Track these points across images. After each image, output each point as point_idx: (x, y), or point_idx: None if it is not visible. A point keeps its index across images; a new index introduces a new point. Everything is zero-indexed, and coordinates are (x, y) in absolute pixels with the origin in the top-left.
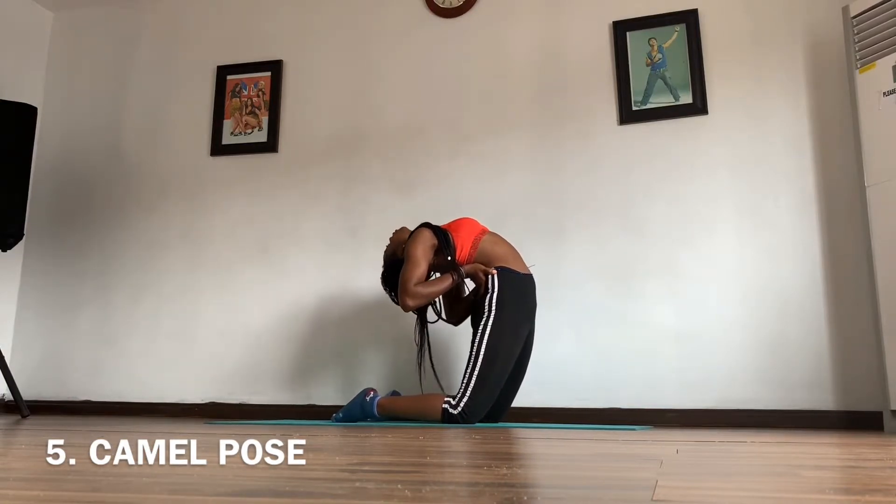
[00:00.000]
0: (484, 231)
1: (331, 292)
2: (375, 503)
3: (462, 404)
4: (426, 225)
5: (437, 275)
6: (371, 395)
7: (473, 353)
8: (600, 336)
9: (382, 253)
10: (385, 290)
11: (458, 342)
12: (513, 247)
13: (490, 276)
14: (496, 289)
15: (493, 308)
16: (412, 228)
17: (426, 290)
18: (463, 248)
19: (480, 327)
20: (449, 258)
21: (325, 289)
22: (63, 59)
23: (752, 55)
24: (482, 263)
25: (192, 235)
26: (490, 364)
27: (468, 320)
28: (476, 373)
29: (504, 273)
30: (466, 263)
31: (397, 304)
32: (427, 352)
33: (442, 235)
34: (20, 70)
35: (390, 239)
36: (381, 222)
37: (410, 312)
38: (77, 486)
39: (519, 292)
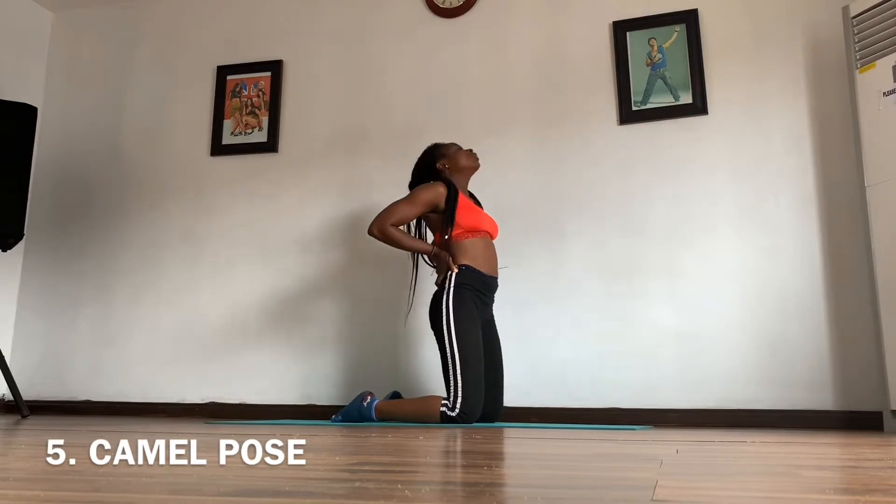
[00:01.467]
0: (486, 234)
1: (331, 292)
2: (375, 503)
3: (458, 406)
4: (450, 185)
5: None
6: (368, 399)
7: (448, 354)
8: (600, 336)
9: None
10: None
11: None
12: (493, 254)
13: (449, 275)
14: (452, 287)
15: (451, 305)
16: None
17: (395, 234)
18: (456, 229)
19: (444, 327)
20: (447, 229)
21: (325, 288)
22: (63, 59)
23: (752, 55)
24: (453, 251)
25: (191, 235)
26: (466, 358)
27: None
28: (458, 372)
29: (463, 271)
30: (441, 240)
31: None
32: (416, 271)
33: (450, 206)
34: (20, 70)
35: (448, 145)
36: None
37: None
38: (77, 486)
39: (471, 285)
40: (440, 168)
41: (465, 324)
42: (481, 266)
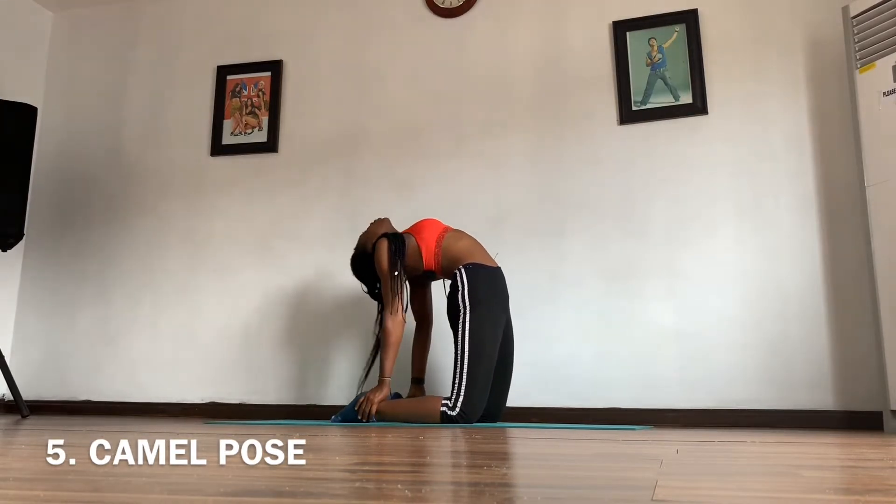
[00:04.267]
0: (447, 230)
1: (331, 292)
2: (375, 503)
3: (459, 404)
4: (384, 235)
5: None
6: None
7: (459, 352)
8: (600, 336)
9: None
10: (353, 274)
11: (444, 342)
12: (476, 241)
13: (458, 273)
14: (466, 285)
15: (468, 304)
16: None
17: (387, 342)
18: (428, 249)
19: (460, 326)
20: (397, 272)
21: (325, 289)
22: (63, 59)
23: (752, 55)
24: (448, 261)
25: (191, 235)
26: (477, 359)
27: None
28: (465, 371)
29: (471, 268)
30: (434, 263)
31: (366, 292)
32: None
33: (394, 246)
34: (20, 70)
35: (369, 226)
36: None
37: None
38: (77, 486)
39: (489, 284)
40: (371, 247)
41: (485, 326)
42: (479, 258)
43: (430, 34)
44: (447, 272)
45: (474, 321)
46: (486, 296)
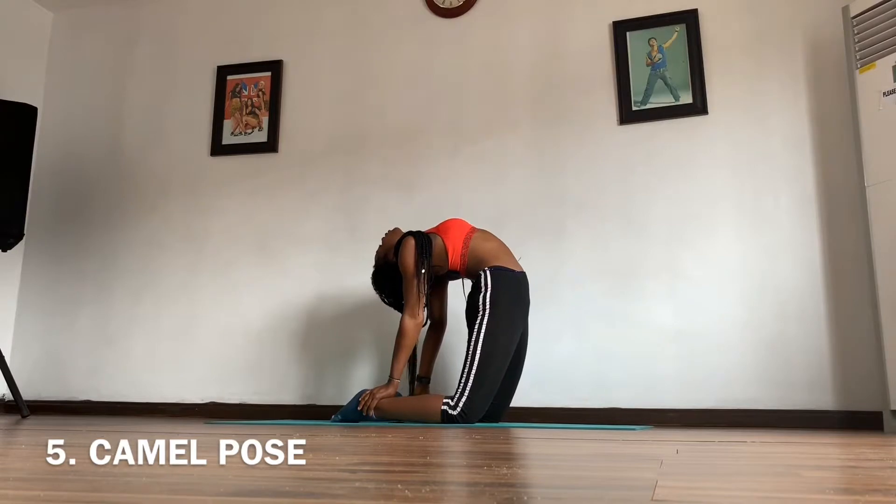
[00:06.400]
0: (473, 230)
1: (330, 292)
2: (375, 503)
3: (461, 404)
4: (410, 233)
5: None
6: None
7: (470, 352)
8: (600, 336)
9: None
10: (375, 290)
11: (454, 340)
12: (503, 243)
13: (483, 274)
14: (489, 287)
15: (488, 307)
16: (405, 230)
17: (400, 343)
18: (455, 250)
19: (476, 326)
20: (423, 270)
21: (325, 288)
22: (63, 59)
23: (752, 55)
24: (474, 262)
25: (191, 235)
26: (487, 363)
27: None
28: (473, 372)
29: (496, 271)
30: (460, 263)
31: (387, 304)
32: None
33: (420, 245)
34: (20, 70)
35: (382, 240)
36: (380, 222)
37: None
38: (77, 486)
39: (513, 290)
40: (392, 255)
41: (501, 331)
42: (505, 261)
43: (430, 34)
44: (471, 272)
45: (491, 324)
46: (507, 301)
